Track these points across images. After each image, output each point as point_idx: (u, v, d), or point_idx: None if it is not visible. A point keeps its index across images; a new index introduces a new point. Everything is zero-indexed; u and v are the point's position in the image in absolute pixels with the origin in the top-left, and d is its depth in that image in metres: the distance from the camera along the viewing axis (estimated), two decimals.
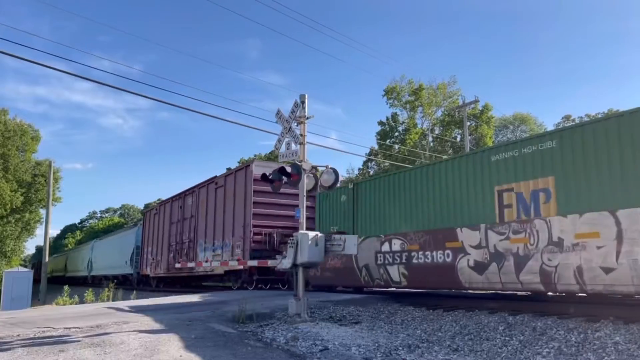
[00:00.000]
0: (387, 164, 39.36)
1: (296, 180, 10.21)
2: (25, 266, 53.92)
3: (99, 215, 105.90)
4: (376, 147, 43.36)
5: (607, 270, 8.31)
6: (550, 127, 51.80)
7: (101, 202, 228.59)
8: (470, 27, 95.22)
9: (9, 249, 44.51)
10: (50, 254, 41.00)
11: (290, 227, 15.75)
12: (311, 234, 9.67)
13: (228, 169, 26.74)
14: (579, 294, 9.47)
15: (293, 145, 10.53)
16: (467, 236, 10.71)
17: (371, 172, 44.94)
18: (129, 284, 28.59)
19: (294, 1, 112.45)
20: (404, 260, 12.11)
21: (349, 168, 48.00)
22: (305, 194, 10.37)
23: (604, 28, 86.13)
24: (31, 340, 7.61)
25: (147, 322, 9.42)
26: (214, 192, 20.00)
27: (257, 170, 16.65)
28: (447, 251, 11.09)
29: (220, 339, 7.74)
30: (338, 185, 10.86)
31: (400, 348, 7.42)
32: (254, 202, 17.05)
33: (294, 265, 9.67)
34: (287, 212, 16.18)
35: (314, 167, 10.57)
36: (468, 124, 36.05)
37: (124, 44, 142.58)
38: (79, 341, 7.36)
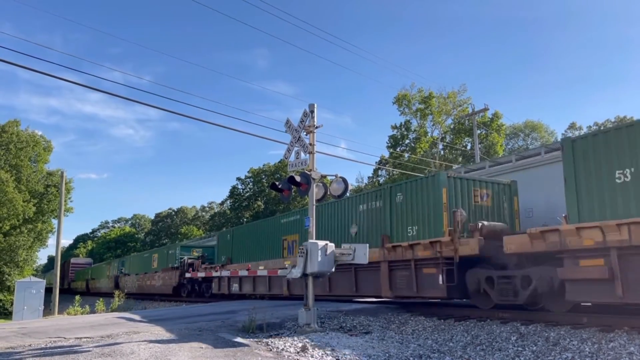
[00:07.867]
0: (396, 172, 39.26)
1: (305, 190, 10.22)
2: (38, 276, 54.84)
3: (110, 225, 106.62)
4: (386, 155, 43.29)
5: None
6: (559, 135, 51.51)
7: (113, 212, 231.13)
8: (480, 35, 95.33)
9: (22, 259, 44.80)
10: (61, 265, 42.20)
11: None
12: (321, 243, 9.62)
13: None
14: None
15: (302, 155, 10.56)
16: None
17: (381, 181, 44.81)
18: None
19: (302, 11, 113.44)
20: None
21: (358, 177, 47.99)
22: (314, 203, 10.38)
23: (615, 34, 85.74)
24: (42, 350, 7.66)
25: (158, 331, 9.45)
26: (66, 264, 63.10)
27: (73, 261, 66.83)
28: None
29: (231, 349, 7.73)
30: (347, 194, 10.85)
31: (411, 358, 7.37)
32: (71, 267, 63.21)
33: (304, 275, 9.64)
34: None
35: (323, 176, 10.57)
36: (478, 132, 35.88)
37: (134, 55, 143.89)
38: (89, 351, 7.39)
